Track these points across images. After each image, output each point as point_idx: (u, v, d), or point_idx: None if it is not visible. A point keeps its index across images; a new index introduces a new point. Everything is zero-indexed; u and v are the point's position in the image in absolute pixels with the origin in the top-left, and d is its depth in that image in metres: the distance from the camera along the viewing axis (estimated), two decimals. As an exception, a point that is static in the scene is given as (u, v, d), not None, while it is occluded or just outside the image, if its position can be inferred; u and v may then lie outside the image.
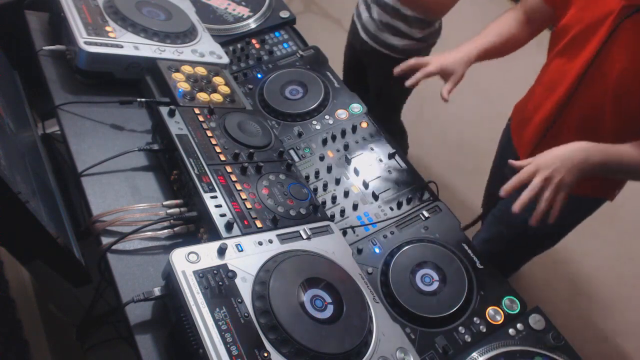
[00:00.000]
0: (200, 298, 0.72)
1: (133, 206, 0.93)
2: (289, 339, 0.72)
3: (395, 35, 1.56)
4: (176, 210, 0.95)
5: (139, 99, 1.10)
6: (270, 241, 0.87)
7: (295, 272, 0.82)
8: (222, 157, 0.99)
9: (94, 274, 0.95)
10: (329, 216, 1.05)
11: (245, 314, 0.73)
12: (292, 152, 1.21)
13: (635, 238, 2.27)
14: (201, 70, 1.19)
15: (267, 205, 0.95)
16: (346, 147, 1.22)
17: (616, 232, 2.28)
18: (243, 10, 1.52)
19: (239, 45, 1.46)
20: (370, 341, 0.80)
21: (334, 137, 1.24)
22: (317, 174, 1.17)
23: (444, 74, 1.14)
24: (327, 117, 1.29)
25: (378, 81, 1.81)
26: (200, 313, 0.71)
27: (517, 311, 0.96)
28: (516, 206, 0.93)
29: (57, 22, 1.18)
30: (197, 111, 1.06)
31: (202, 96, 1.12)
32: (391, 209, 1.12)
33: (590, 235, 2.17)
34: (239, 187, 0.94)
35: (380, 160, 1.20)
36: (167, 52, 1.18)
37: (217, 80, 1.20)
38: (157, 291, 0.79)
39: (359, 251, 1.04)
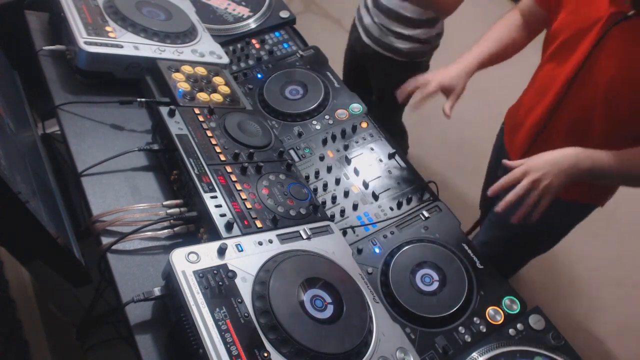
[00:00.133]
0: (200, 298, 0.72)
1: (133, 206, 0.93)
2: (289, 339, 0.72)
3: (399, 39, 1.56)
4: (176, 210, 0.95)
5: (139, 99, 1.10)
6: (270, 241, 0.87)
7: (295, 272, 0.82)
8: (222, 157, 0.99)
9: (94, 274, 0.95)
10: (329, 216, 1.05)
11: (245, 314, 0.73)
12: (292, 152, 1.21)
13: (634, 238, 2.27)
14: (201, 70, 1.19)
15: (267, 205, 0.95)
16: (346, 147, 1.22)
17: (615, 233, 2.27)
18: (243, 10, 1.52)
19: (239, 45, 1.46)
20: (370, 341, 0.80)
21: (334, 137, 1.24)
22: (317, 174, 1.17)
23: (445, 91, 1.14)
24: (327, 117, 1.29)
25: (381, 83, 1.81)
26: (200, 313, 0.70)
27: (517, 311, 0.96)
28: (500, 206, 0.96)
29: (57, 22, 1.18)
30: (197, 111, 1.06)
31: (202, 96, 1.12)
32: (391, 209, 1.12)
33: (589, 235, 2.17)
34: (239, 187, 0.94)
35: (380, 160, 1.20)
36: (167, 52, 1.18)
37: (217, 80, 1.20)
38: (157, 291, 0.79)
39: (359, 251, 1.04)
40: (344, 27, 3.07)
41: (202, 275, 0.75)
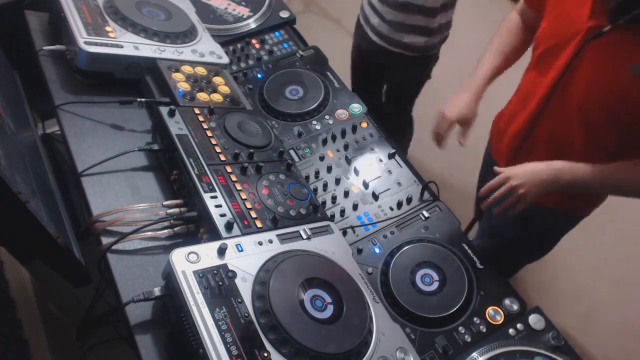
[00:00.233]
0: (200, 298, 0.72)
1: (133, 206, 0.93)
2: (289, 339, 0.72)
3: (411, 33, 1.57)
4: (176, 210, 0.95)
5: (139, 99, 1.10)
6: (270, 241, 0.87)
7: (295, 272, 0.82)
8: (222, 157, 0.99)
9: (94, 274, 0.95)
10: (329, 216, 1.05)
11: (245, 314, 0.73)
12: (292, 152, 1.21)
13: (634, 238, 2.27)
14: (201, 70, 1.19)
15: (267, 205, 0.95)
16: (346, 147, 1.22)
17: (616, 233, 2.27)
18: (243, 10, 1.52)
19: (239, 45, 1.46)
20: (370, 341, 0.80)
21: (334, 137, 1.24)
22: (317, 174, 1.17)
23: (461, 122, 1.20)
24: (327, 117, 1.29)
25: (395, 79, 1.83)
26: (200, 313, 0.70)
27: (517, 311, 0.96)
28: (484, 205, 1.10)
29: (57, 22, 1.18)
30: (197, 111, 1.06)
31: (202, 96, 1.12)
32: (391, 209, 1.12)
33: (589, 235, 2.17)
34: (239, 187, 0.94)
35: (380, 160, 1.20)
36: (167, 52, 1.17)
37: (217, 80, 1.20)
38: (157, 291, 0.79)
39: (359, 251, 1.04)
40: (344, 27, 3.07)
41: (202, 275, 0.75)
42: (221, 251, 0.79)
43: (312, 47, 1.47)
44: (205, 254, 0.78)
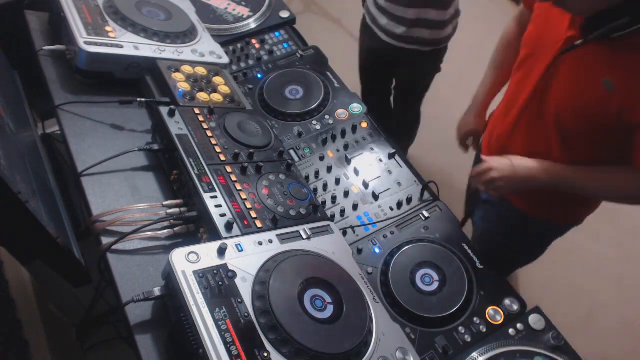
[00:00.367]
0: (200, 298, 0.72)
1: (133, 206, 0.93)
2: (289, 339, 0.72)
3: (424, 28, 1.57)
4: (176, 210, 0.94)
5: (139, 99, 1.10)
6: (270, 241, 0.87)
7: (295, 272, 0.82)
8: (222, 157, 0.99)
9: (94, 274, 0.95)
10: (329, 216, 1.05)
11: (245, 314, 0.73)
12: (292, 152, 1.21)
13: (634, 238, 2.27)
14: (201, 70, 1.19)
15: (267, 205, 0.95)
16: (346, 147, 1.22)
17: (616, 233, 2.27)
18: (243, 10, 1.52)
19: (239, 45, 1.46)
20: (370, 341, 0.80)
21: (334, 137, 1.24)
22: (317, 174, 1.17)
23: (471, 134, 1.35)
24: (327, 117, 1.29)
25: (408, 75, 1.84)
26: (200, 313, 0.70)
27: (517, 311, 0.96)
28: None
29: (57, 22, 1.18)
30: (197, 111, 1.06)
31: (202, 96, 1.12)
32: (391, 209, 1.12)
33: (590, 235, 2.17)
34: (239, 187, 0.94)
35: (380, 160, 1.20)
36: (167, 52, 1.17)
37: (217, 80, 1.20)
38: (157, 291, 0.79)
39: (359, 251, 1.04)
40: (344, 27, 3.07)
41: (202, 275, 0.75)
42: (221, 251, 0.79)
43: (312, 47, 1.47)
44: (205, 254, 0.78)
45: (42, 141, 1.24)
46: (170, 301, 0.77)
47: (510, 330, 0.92)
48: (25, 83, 1.29)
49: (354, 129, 1.26)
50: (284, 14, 1.53)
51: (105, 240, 0.89)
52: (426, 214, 1.10)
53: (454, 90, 2.47)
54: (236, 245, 0.82)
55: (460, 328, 0.93)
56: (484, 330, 0.93)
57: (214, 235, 0.86)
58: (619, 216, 2.25)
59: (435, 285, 0.99)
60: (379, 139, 1.24)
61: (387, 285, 0.98)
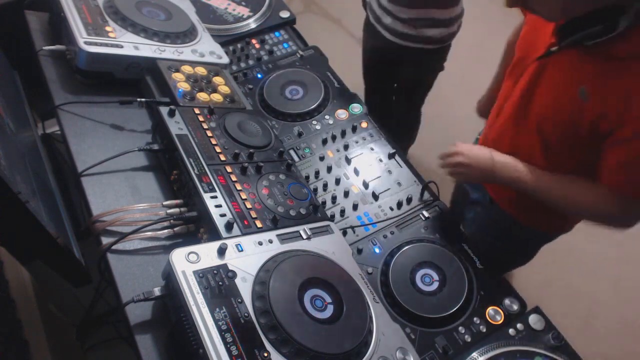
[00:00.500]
0: (200, 298, 0.72)
1: (133, 206, 0.93)
2: (289, 339, 0.72)
3: (429, 27, 1.57)
4: (176, 210, 0.94)
5: (139, 99, 1.10)
6: (270, 241, 0.87)
7: (295, 272, 0.81)
8: (222, 157, 0.99)
9: (94, 274, 0.95)
10: (329, 216, 1.05)
11: (245, 314, 0.73)
12: (292, 152, 1.21)
13: (634, 239, 2.27)
14: (201, 70, 1.19)
15: (267, 205, 0.95)
16: (346, 147, 1.22)
17: (615, 233, 2.26)
18: (243, 10, 1.52)
19: (239, 45, 1.46)
20: (370, 341, 0.80)
21: (334, 137, 1.24)
22: (317, 174, 1.17)
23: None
24: (327, 117, 1.29)
25: (411, 74, 1.84)
26: (200, 313, 0.70)
27: (517, 311, 0.96)
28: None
29: (57, 22, 1.18)
30: (197, 111, 1.06)
31: (202, 96, 1.12)
32: (391, 209, 1.12)
33: (590, 235, 2.17)
34: (239, 187, 0.94)
35: (380, 160, 1.20)
36: (167, 52, 1.17)
37: (217, 80, 1.20)
38: (157, 291, 0.79)
39: (359, 251, 1.04)
40: (344, 27, 3.07)
41: (202, 275, 0.75)
42: (221, 251, 0.79)
43: (312, 47, 1.47)
44: (205, 254, 0.78)
45: (42, 141, 1.24)
46: (170, 301, 0.77)
47: (510, 330, 0.92)
48: (25, 83, 1.29)
49: (354, 129, 1.26)
50: (284, 14, 1.53)
51: (105, 240, 0.89)
52: (426, 214, 1.10)
53: (454, 90, 2.47)
54: (236, 245, 0.82)
55: (460, 328, 0.93)
56: (484, 330, 0.93)
57: (214, 235, 0.86)
58: (619, 216, 2.25)
59: (435, 285, 0.99)
60: (379, 139, 1.24)
61: (387, 285, 0.98)
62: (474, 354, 0.89)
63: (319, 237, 0.93)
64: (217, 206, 0.89)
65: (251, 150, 1.03)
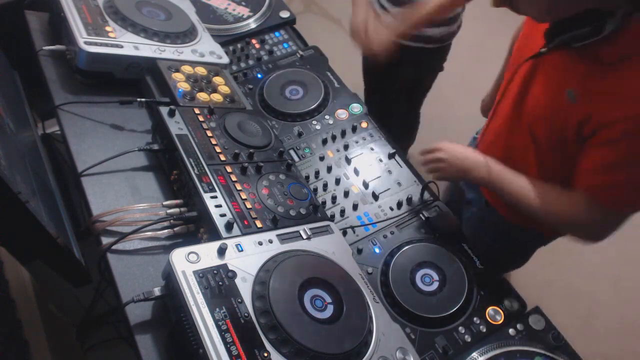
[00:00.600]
0: (200, 298, 0.72)
1: (133, 206, 0.93)
2: (289, 339, 0.72)
3: (432, 26, 1.58)
4: (176, 210, 0.95)
5: (139, 99, 1.10)
6: (270, 241, 0.87)
7: (295, 272, 0.81)
8: (222, 157, 0.99)
9: (94, 274, 0.95)
10: (329, 216, 1.05)
11: (245, 314, 0.73)
12: (292, 152, 1.21)
13: (634, 239, 2.27)
14: (201, 70, 1.19)
15: (267, 205, 0.95)
16: (346, 147, 1.22)
17: (615, 233, 2.27)
18: (243, 10, 1.52)
19: (239, 45, 1.46)
20: (370, 341, 0.80)
21: (334, 137, 1.24)
22: (317, 174, 1.17)
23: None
24: (327, 117, 1.29)
25: (412, 74, 1.84)
26: (200, 313, 0.70)
27: (517, 311, 0.96)
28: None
29: (57, 22, 1.18)
30: (197, 111, 1.06)
31: (202, 96, 1.12)
32: (391, 209, 1.12)
33: (590, 235, 2.17)
34: (239, 187, 0.94)
35: (380, 160, 1.20)
36: (167, 52, 1.17)
37: (217, 80, 1.20)
38: (157, 291, 0.79)
39: (359, 251, 1.04)
40: (344, 27, 3.07)
41: (202, 275, 0.75)
42: (221, 251, 0.79)
43: (312, 47, 1.47)
44: (205, 254, 0.78)
45: (42, 141, 1.24)
46: (170, 301, 0.77)
47: (510, 330, 0.92)
48: (25, 83, 1.29)
49: (354, 129, 1.26)
50: (284, 14, 1.53)
51: (105, 240, 0.89)
52: (426, 214, 1.10)
53: (454, 90, 2.47)
54: (236, 245, 0.82)
55: (460, 328, 0.93)
56: (484, 330, 0.93)
57: (214, 235, 0.86)
58: (618, 216, 2.25)
59: (435, 285, 0.99)
60: (379, 139, 1.24)
61: (387, 285, 0.98)
62: (474, 354, 0.89)
63: (319, 237, 0.93)
64: (217, 206, 0.89)
65: (251, 150, 1.03)
